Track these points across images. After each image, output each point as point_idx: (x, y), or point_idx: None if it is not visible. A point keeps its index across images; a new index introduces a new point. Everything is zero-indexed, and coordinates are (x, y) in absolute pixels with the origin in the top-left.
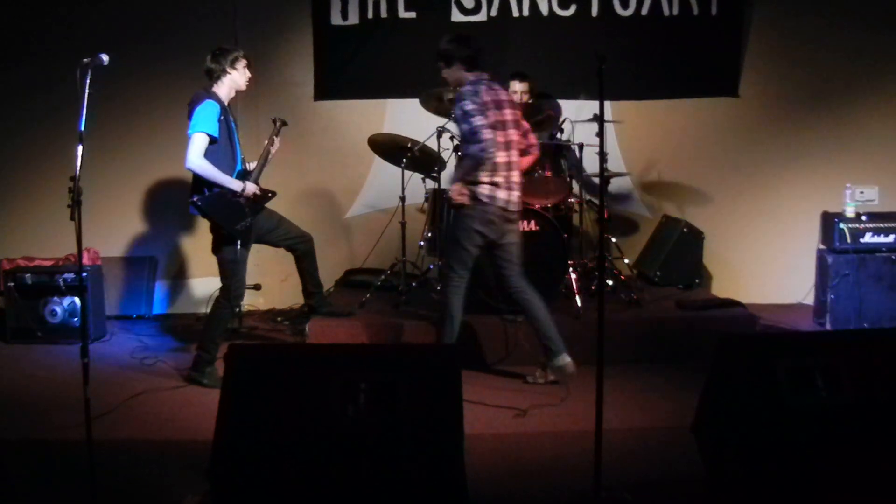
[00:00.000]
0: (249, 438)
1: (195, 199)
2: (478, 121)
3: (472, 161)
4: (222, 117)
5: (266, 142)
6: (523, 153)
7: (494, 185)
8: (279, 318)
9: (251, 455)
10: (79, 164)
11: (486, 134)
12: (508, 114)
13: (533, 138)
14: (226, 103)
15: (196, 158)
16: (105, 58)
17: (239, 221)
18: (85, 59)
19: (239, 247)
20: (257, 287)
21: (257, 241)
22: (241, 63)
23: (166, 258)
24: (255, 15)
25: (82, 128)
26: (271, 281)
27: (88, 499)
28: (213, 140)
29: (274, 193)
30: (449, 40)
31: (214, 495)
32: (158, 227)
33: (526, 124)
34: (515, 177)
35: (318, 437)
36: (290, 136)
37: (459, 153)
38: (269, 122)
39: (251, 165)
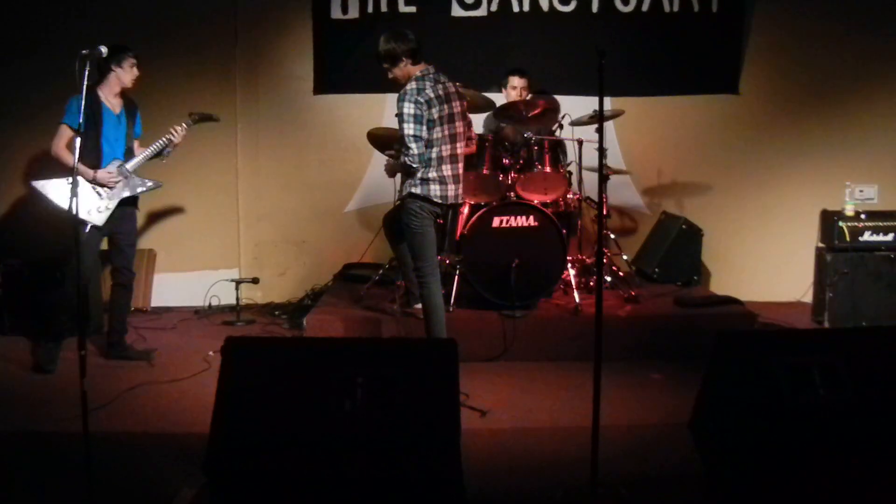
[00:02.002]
0: (246, 431)
1: (32, 182)
2: (410, 129)
3: (403, 168)
4: (89, 111)
5: (168, 135)
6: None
7: (438, 181)
8: (277, 312)
9: (248, 448)
10: (77, 156)
11: (415, 147)
12: (456, 106)
13: (473, 132)
14: (108, 98)
15: (55, 146)
16: (104, 49)
17: (86, 206)
18: (84, 51)
19: (87, 230)
20: (255, 281)
21: (108, 234)
22: (128, 62)
23: (165, 251)
24: (256, 8)
25: (81, 120)
26: (269, 275)
27: (85, 491)
28: (76, 131)
29: (158, 184)
30: (387, 39)
31: (211, 488)
32: (157, 220)
33: (469, 116)
34: (459, 169)
35: (315, 431)
36: (289, 130)
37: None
38: (268, 118)
39: (166, 154)
